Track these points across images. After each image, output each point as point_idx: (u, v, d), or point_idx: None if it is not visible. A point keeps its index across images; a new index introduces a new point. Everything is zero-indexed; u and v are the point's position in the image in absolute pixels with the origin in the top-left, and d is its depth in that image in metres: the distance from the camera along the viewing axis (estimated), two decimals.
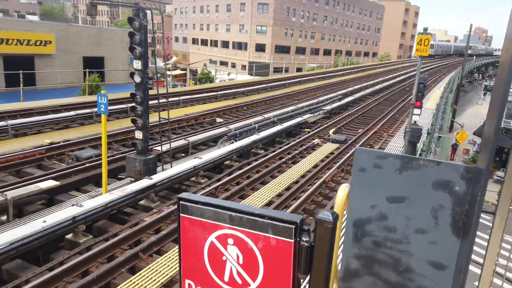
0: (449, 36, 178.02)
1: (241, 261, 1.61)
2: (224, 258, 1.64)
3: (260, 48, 60.61)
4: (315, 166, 11.91)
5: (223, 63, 65.61)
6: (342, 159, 12.49)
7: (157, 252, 6.87)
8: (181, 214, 1.66)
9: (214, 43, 69.07)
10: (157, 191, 9.14)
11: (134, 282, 5.81)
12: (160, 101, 10.51)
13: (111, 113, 15.60)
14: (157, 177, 8.98)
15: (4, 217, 7.44)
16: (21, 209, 7.98)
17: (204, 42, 71.60)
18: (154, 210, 8.41)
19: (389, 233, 1.66)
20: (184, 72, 48.49)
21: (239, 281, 1.64)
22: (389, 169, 1.61)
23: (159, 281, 5.87)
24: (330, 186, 10.53)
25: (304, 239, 1.48)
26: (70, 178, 9.38)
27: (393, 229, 1.65)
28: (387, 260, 1.69)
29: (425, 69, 53.61)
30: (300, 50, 65.91)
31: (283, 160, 12.13)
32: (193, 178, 10.46)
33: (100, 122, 14.85)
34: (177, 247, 6.85)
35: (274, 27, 59.31)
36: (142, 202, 8.77)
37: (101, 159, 10.66)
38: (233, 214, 1.56)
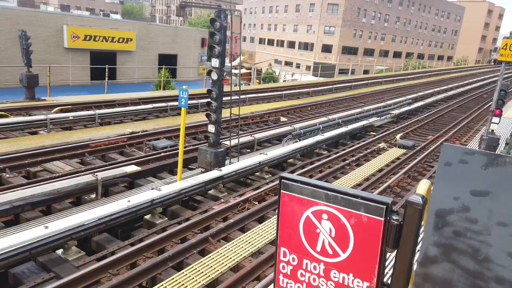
0: None
1: (333, 234, 1.86)
2: (318, 230, 1.90)
3: (327, 49, 59.93)
4: (379, 170, 11.72)
5: (288, 63, 65.87)
6: (409, 165, 12.13)
7: (224, 239, 7.33)
8: (282, 191, 1.94)
9: (281, 43, 69.58)
10: (225, 183, 9.66)
11: (204, 263, 6.30)
12: (228, 98, 11.04)
13: None
14: (225, 169, 9.49)
15: (93, 195, 8.40)
16: (107, 190, 8.91)
17: (270, 42, 72.44)
18: (222, 200, 8.92)
19: (470, 224, 1.79)
20: (249, 71, 49.58)
21: (330, 252, 1.89)
22: (474, 164, 1.75)
23: (226, 264, 6.29)
24: (395, 191, 10.32)
25: (394, 217, 1.68)
26: (148, 165, 10.25)
27: (474, 220, 1.78)
28: (466, 249, 1.82)
29: (508, 75, 49.35)
30: (368, 52, 64.02)
31: (347, 162, 12.08)
32: (257, 173, 10.87)
33: (174, 115, 15.95)
34: (243, 235, 7.27)
35: (342, 28, 58.29)
36: (211, 192, 9.34)
37: (174, 149, 11.51)
38: (329, 193, 1.81)
